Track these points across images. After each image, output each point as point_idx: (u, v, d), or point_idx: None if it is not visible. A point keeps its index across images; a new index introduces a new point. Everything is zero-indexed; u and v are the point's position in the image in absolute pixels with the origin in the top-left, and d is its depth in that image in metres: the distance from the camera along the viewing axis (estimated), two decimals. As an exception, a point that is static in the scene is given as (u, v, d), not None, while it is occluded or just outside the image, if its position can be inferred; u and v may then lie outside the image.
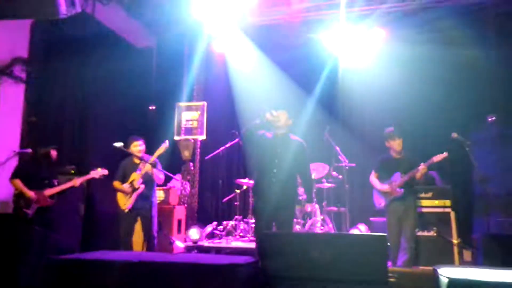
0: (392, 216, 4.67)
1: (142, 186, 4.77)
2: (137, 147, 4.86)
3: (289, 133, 4.07)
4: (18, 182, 4.61)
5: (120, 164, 4.97)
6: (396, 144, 4.68)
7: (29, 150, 4.93)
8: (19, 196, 4.62)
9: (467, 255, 5.02)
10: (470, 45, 5.75)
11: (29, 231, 2.88)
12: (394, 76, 6.32)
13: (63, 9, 5.08)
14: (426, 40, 6.02)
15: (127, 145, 4.82)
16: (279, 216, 3.94)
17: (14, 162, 5.01)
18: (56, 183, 4.79)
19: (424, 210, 5.13)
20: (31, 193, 4.59)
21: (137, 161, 4.86)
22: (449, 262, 4.79)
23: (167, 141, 4.82)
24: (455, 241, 4.97)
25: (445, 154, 4.41)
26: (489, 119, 5.50)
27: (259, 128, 3.94)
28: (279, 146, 3.95)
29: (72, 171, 5.96)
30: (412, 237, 4.57)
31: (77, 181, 4.84)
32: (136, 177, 4.79)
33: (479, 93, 5.81)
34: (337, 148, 5.98)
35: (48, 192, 4.68)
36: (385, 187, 4.72)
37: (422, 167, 4.43)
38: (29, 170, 4.71)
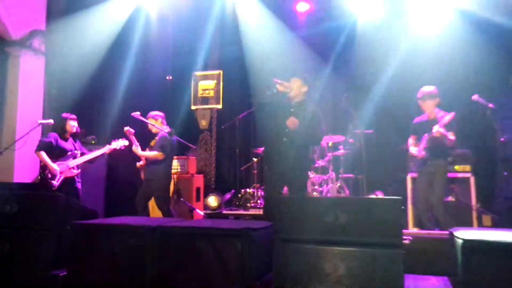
0: (421, 180, 4.52)
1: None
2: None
3: (306, 101, 4.00)
4: (42, 154, 4.72)
5: None
6: (425, 106, 4.47)
7: (51, 121, 5.03)
8: (45, 167, 4.74)
9: (486, 220, 4.98)
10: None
11: (54, 197, 2.98)
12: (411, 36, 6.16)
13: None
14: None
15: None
16: (291, 183, 3.93)
17: (37, 133, 5.12)
18: (79, 155, 4.89)
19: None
20: (54, 167, 4.70)
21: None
22: (468, 227, 4.77)
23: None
24: (474, 206, 4.93)
25: (452, 113, 4.21)
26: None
27: (271, 99, 3.87)
28: (293, 114, 3.85)
29: (93, 141, 6.10)
30: (438, 203, 4.32)
31: (108, 148, 4.96)
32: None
33: (503, 55, 5.59)
34: (355, 114, 5.91)
35: (72, 163, 4.79)
36: (414, 149, 4.51)
37: (435, 129, 4.18)
38: (53, 143, 4.80)
